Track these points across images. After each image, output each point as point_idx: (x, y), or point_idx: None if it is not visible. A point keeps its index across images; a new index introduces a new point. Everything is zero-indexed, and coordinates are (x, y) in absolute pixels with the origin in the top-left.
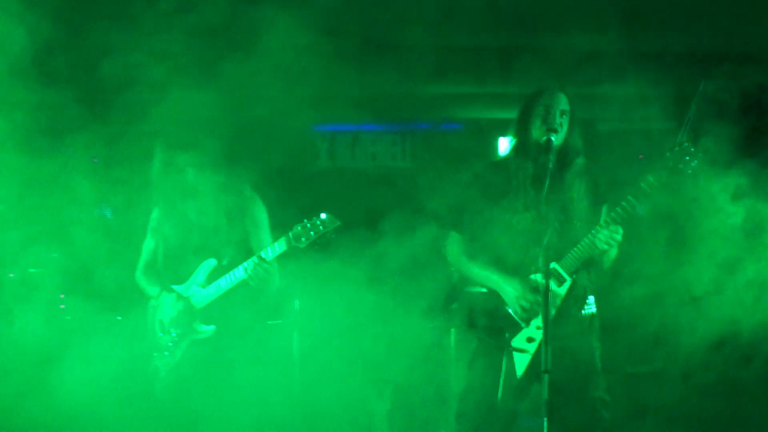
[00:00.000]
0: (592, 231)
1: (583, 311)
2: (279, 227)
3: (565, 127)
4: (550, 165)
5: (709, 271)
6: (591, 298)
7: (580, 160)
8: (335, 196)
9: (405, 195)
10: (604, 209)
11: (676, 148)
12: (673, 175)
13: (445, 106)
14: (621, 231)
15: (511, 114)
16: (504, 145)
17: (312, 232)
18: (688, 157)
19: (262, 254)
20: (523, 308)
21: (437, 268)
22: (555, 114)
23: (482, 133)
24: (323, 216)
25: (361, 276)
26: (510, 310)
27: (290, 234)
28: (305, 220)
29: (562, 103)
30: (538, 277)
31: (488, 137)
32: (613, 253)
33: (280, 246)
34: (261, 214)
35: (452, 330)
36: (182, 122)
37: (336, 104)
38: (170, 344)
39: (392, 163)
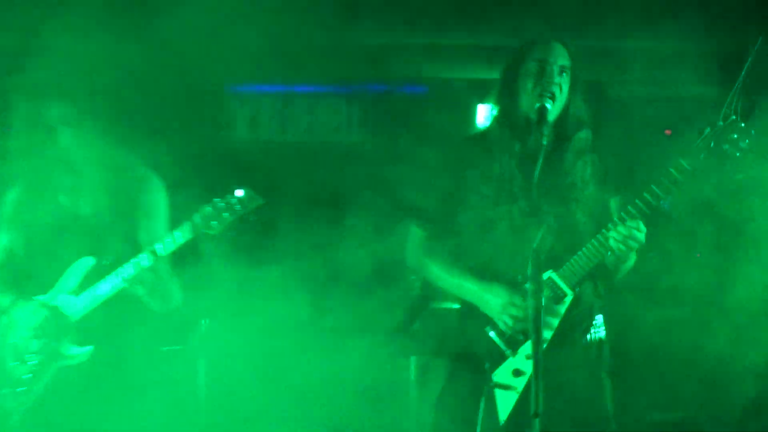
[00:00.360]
0: (603, 229)
1: (588, 336)
2: (181, 219)
3: (564, 90)
4: (545, 141)
5: (762, 287)
6: (599, 319)
7: (583, 135)
8: (259, 179)
9: (351, 178)
10: (616, 201)
11: (720, 123)
12: (715, 159)
13: (408, 61)
14: (643, 229)
15: (494, 73)
16: (484, 114)
17: (226, 214)
18: (736, 135)
19: (157, 248)
20: (514, 318)
21: (394, 275)
22: (552, 72)
23: (456, 98)
24: (240, 193)
25: (292, 285)
26: (492, 334)
27: (196, 217)
28: (216, 200)
29: (561, 57)
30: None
31: (463, 104)
32: (631, 259)
33: (183, 234)
34: (158, 199)
35: (413, 359)
36: (54, 70)
37: (261, 57)
38: (28, 376)
39: (335, 136)
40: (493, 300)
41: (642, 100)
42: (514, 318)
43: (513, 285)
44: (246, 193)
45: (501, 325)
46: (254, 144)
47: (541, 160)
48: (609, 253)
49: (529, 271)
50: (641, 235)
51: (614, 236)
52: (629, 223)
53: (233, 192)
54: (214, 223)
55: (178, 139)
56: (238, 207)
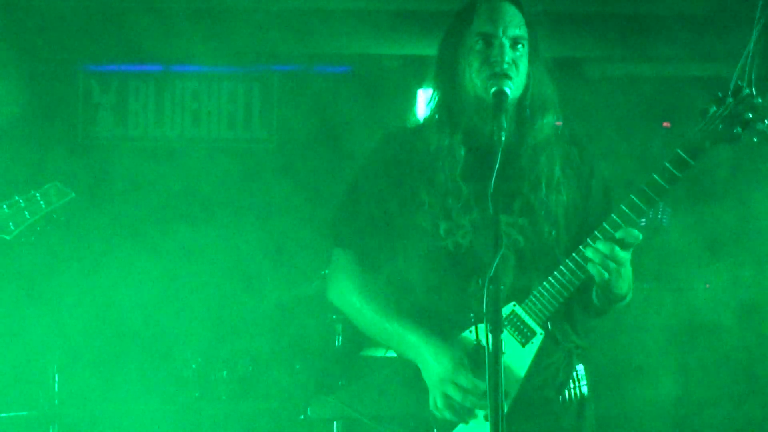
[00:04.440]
0: (580, 246)
1: (566, 393)
2: None
3: (522, 68)
4: (503, 136)
5: None
6: (580, 370)
7: (548, 120)
8: (126, 190)
9: (250, 185)
10: (596, 207)
11: (730, 99)
12: (724, 147)
13: (326, 33)
14: (637, 235)
15: (435, 48)
16: (425, 102)
17: (27, 213)
18: (751, 114)
19: None
20: (447, 402)
21: (309, 317)
22: (502, 48)
23: (389, 81)
24: (47, 186)
25: (171, 328)
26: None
27: None
28: (16, 197)
29: (513, 25)
30: (481, 331)
31: (400, 89)
32: (621, 287)
33: None
34: None
35: (335, 424)
36: None
37: (128, 25)
38: None
39: (230, 132)
40: (433, 366)
41: (628, 81)
42: (447, 401)
43: (463, 326)
44: (53, 186)
45: (430, 402)
46: (119, 144)
47: (498, 163)
48: (590, 278)
49: (484, 306)
50: (623, 254)
51: (591, 256)
52: (618, 233)
53: (39, 186)
54: (10, 224)
55: (20, 136)
56: (42, 204)
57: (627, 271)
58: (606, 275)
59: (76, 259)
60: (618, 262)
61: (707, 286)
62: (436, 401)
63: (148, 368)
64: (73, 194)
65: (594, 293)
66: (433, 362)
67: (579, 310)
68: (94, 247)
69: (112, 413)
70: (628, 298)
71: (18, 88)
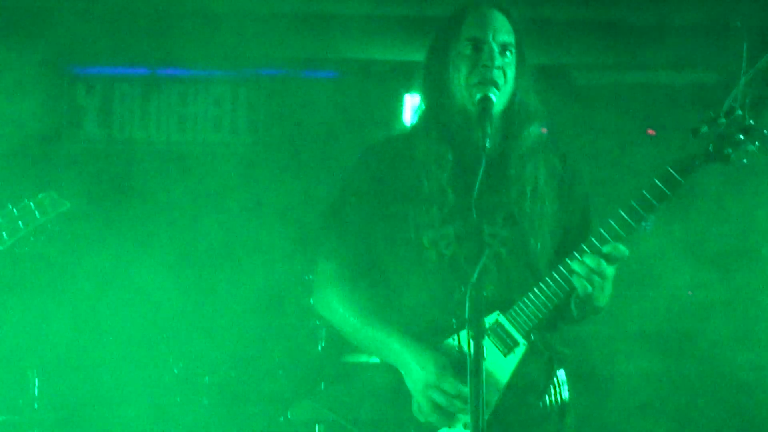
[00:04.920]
0: (566, 258)
1: (547, 398)
2: None
3: (510, 75)
4: (488, 143)
5: None
6: (561, 374)
7: (534, 130)
8: (110, 194)
9: (237, 196)
10: (580, 219)
11: (722, 120)
12: (714, 167)
13: (313, 38)
14: (624, 252)
15: (423, 54)
16: (412, 107)
17: (20, 223)
18: (742, 135)
19: None
20: (432, 406)
21: (292, 324)
22: (491, 53)
23: (376, 86)
24: (41, 196)
25: (152, 332)
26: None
27: None
28: (10, 206)
29: (502, 31)
30: (463, 339)
31: (387, 94)
32: (601, 299)
33: None
34: None
35: (317, 427)
36: None
37: (115, 28)
38: None
39: (215, 135)
40: (417, 372)
41: (615, 89)
42: (433, 405)
43: (446, 333)
44: (47, 196)
45: (414, 407)
46: (105, 146)
47: (482, 170)
48: (573, 290)
49: (466, 313)
50: (609, 269)
51: (577, 269)
52: (605, 248)
53: (34, 195)
54: (3, 234)
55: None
56: (37, 214)
57: (609, 285)
58: (590, 289)
59: (53, 262)
60: (603, 277)
61: (690, 293)
62: (420, 406)
63: (130, 373)
64: (69, 204)
65: (573, 304)
66: (417, 368)
67: (561, 317)
68: (72, 251)
69: (94, 418)
70: (603, 311)
71: (41, 105)
